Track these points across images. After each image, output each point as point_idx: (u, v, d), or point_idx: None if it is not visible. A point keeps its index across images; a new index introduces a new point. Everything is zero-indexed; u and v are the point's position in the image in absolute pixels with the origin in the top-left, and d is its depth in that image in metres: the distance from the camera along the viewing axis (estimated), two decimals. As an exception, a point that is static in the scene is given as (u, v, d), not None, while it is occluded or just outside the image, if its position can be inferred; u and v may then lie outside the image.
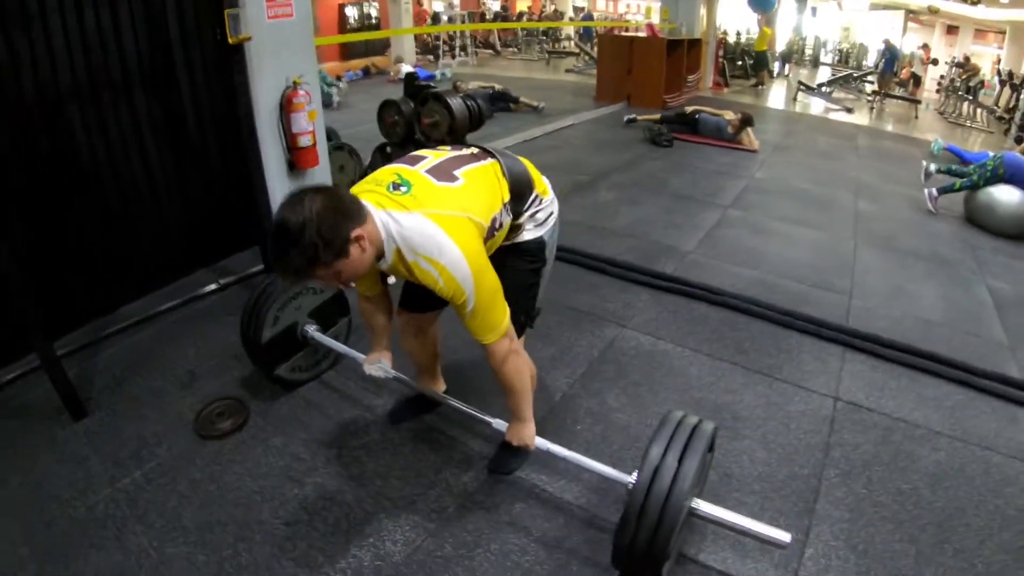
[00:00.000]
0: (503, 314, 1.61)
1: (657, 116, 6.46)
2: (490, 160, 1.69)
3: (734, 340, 2.93)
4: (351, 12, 14.50)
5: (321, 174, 4.07)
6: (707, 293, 3.24)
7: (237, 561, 1.85)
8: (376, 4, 14.85)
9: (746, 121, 6.01)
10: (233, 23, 2.63)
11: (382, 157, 4.38)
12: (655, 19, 10.47)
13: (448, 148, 1.75)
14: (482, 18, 15.25)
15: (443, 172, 1.58)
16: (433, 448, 2.26)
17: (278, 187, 3.79)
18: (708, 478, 1.95)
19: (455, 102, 3.81)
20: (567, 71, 11.80)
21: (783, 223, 4.35)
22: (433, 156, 1.66)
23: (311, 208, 1.34)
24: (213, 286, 3.46)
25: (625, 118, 6.73)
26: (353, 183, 4.66)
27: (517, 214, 1.74)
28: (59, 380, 2.42)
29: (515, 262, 1.80)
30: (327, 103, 9.31)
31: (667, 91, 7.30)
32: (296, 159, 3.84)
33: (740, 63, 12.94)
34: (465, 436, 2.31)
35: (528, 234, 1.79)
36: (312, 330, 2.53)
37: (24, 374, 2.65)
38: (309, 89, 3.67)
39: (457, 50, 13.65)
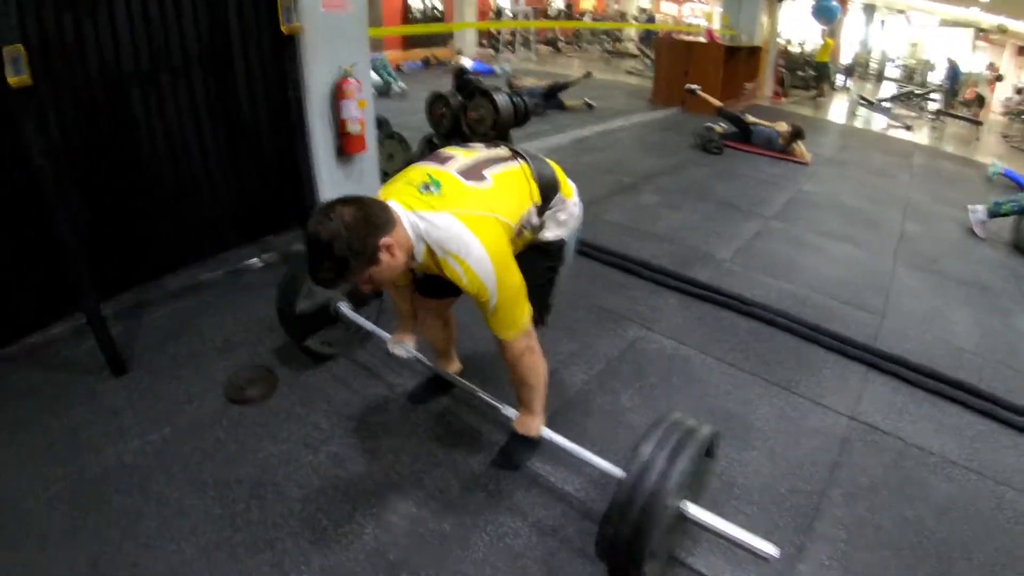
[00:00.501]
0: (524, 312, 1.64)
1: (718, 103, 6.32)
2: (520, 162, 1.73)
3: (758, 351, 2.88)
4: (415, 2, 14.73)
5: (369, 160, 4.20)
6: (736, 302, 3.19)
7: (248, 517, 1.95)
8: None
9: (796, 133, 5.85)
10: (286, 13, 2.75)
11: (428, 148, 4.47)
12: (715, 24, 10.31)
13: (480, 147, 1.78)
14: (545, 15, 15.28)
15: (473, 172, 1.62)
16: (447, 430, 2.32)
17: (326, 170, 3.94)
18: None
19: (501, 98, 3.86)
20: (627, 72, 11.73)
21: (824, 238, 4.24)
22: (464, 155, 1.69)
23: (341, 222, 1.40)
24: (257, 261, 3.61)
25: (705, 126, 6.54)
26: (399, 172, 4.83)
27: (540, 215, 1.78)
28: (103, 338, 2.59)
29: (534, 259, 1.83)
30: (384, 92, 9.51)
31: (723, 97, 7.16)
32: (345, 145, 3.98)
33: (801, 73, 12.57)
34: (479, 421, 2.36)
35: (549, 233, 1.82)
36: (344, 307, 2.62)
37: (73, 330, 2.83)
38: (360, 78, 3.80)
39: (518, 46, 13.72)
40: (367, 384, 2.58)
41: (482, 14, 14.28)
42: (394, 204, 1.53)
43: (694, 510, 1.60)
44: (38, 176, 2.18)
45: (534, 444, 2.16)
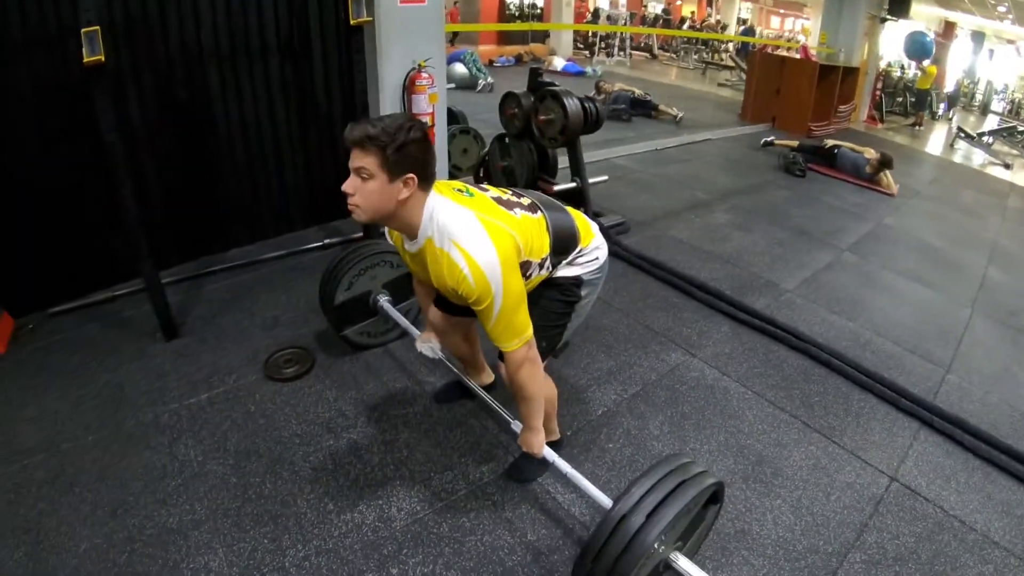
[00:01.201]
0: (526, 323, 1.60)
1: (795, 143, 6.03)
2: (540, 215, 1.71)
3: (804, 392, 2.68)
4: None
5: (439, 155, 4.25)
6: (790, 337, 2.99)
7: (260, 490, 2.01)
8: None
9: (884, 163, 5.44)
10: (356, 6, 2.81)
11: (500, 146, 4.47)
12: (812, 41, 9.72)
13: (509, 191, 1.77)
14: (642, 20, 14.97)
15: (505, 204, 1.64)
16: (464, 433, 2.30)
17: (394, 161, 4.02)
18: (703, 538, 1.77)
19: (571, 102, 3.79)
20: (719, 84, 11.33)
21: (898, 276, 3.91)
22: (498, 192, 1.72)
23: (420, 131, 1.46)
24: (317, 244, 3.72)
25: (763, 140, 6.35)
26: (473, 167, 4.82)
27: (555, 264, 1.76)
28: (158, 303, 2.75)
29: (549, 293, 1.81)
30: (471, 86, 9.61)
31: (815, 118, 6.76)
32: (414, 138, 4.05)
33: (900, 99, 11.68)
34: (497, 429, 2.33)
35: (562, 271, 1.79)
36: (383, 300, 2.66)
37: (135, 293, 3.01)
38: (433, 73, 3.83)
39: (615, 50, 13.55)
40: (397, 378, 2.61)
41: (580, 15, 14.19)
42: (437, 191, 1.55)
43: (684, 563, 1.48)
44: (108, 150, 2.33)
45: (547, 461, 2.11)
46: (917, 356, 3.03)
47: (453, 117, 5.61)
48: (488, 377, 2.49)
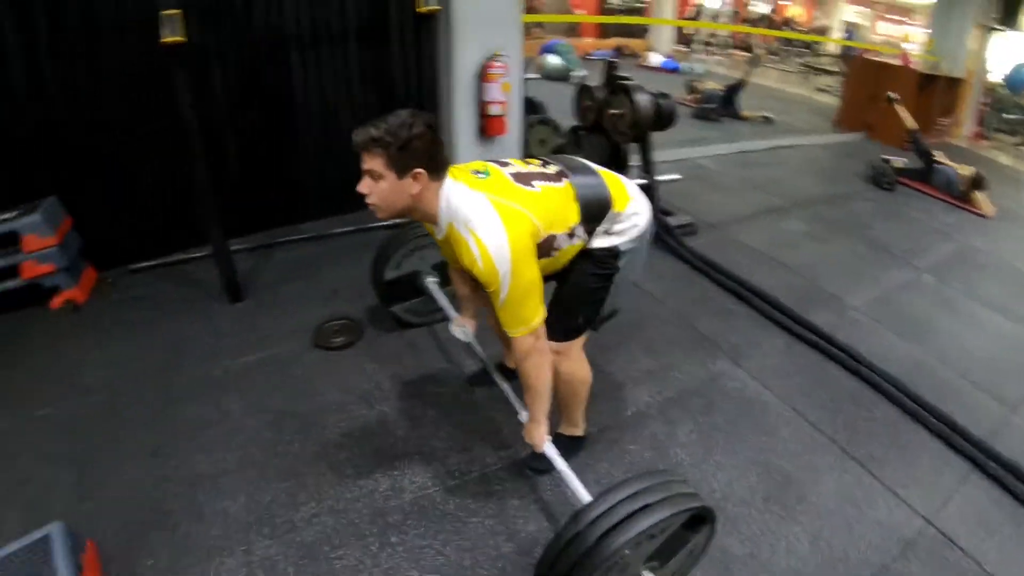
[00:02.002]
0: (535, 312, 1.59)
1: (914, 125, 5.51)
2: (565, 182, 1.68)
3: (849, 416, 2.48)
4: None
5: (509, 143, 4.27)
6: (845, 356, 2.79)
7: (289, 448, 2.14)
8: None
9: (977, 181, 4.91)
10: None
11: (574, 138, 4.44)
12: (915, 48, 8.91)
13: (537, 161, 1.75)
14: (745, 19, 14.33)
15: (523, 179, 1.62)
16: (488, 419, 2.32)
17: (464, 148, 4.08)
18: (683, 563, 1.65)
19: (642, 98, 3.70)
20: (818, 89, 10.67)
21: (978, 304, 3.53)
22: (520, 165, 1.70)
23: (426, 127, 1.47)
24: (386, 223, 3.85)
25: (881, 157, 5.78)
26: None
27: (591, 231, 1.72)
28: (225, 268, 2.95)
29: (582, 265, 1.77)
30: (564, 77, 9.55)
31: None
32: (486, 125, 4.09)
33: (1008, 116, 10.41)
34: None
35: (598, 242, 1.74)
36: (430, 281, 2.72)
37: (207, 257, 3.22)
38: (507, 62, 3.86)
39: (715, 48, 13.09)
40: (436, 358, 2.67)
41: (681, 11, 13.79)
42: (452, 177, 1.57)
43: None
44: (184, 124, 2.52)
45: (569, 448, 2.10)
46: (983, 392, 2.76)
47: (533, 107, 5.63)
48: None
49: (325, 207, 3.92)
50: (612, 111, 3.91)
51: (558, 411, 2.05)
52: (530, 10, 16.22)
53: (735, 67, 12.01)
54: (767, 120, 7.38)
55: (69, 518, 1.64)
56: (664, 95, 3.91)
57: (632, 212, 1.76)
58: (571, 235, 1.67)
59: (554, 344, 1.78)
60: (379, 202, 1.52)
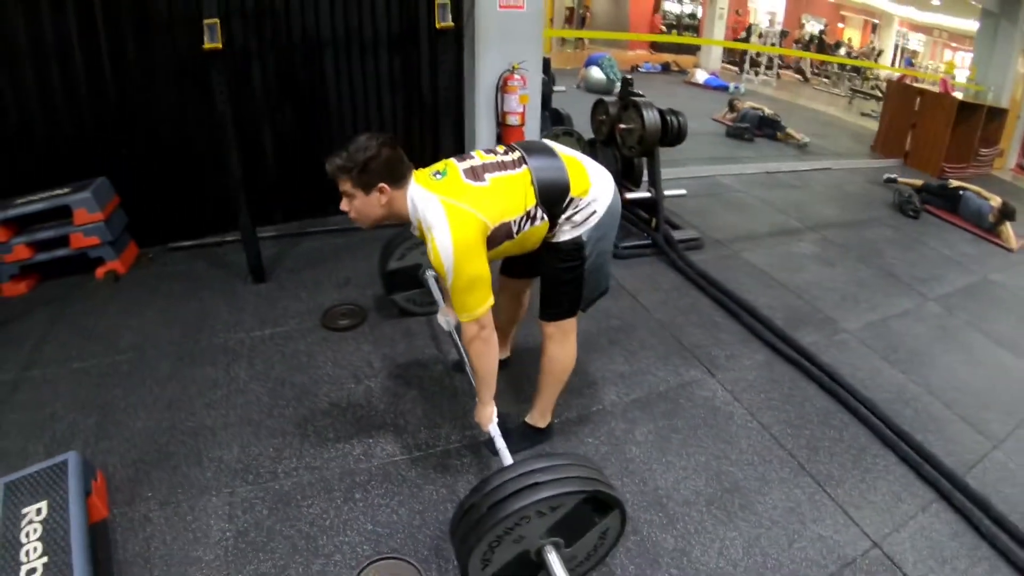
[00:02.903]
0: (479, 303, 1.78)
1: (919, 183, 5.52)
2: (524, 168, 1.85)
3: (815, 435, 2.54)
4: (670, 7, 14.62)
5: (527, 153, 4.50)
6: (823, 375, 2.87)
7: (283, 411, 2.41)
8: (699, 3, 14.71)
9: (1006, 212, 4.80)
10: (441, 11, 3.09)
11: (590, 151, 4.62)
12: (960, 75, 8.58)
13: (498, 152, 1.93)
14: (796, 41, 14.07)
15: (476, 173, 1.81)
16: (462, 403, 2.51)
17: (484, 154, 4.33)
18: (606, 551, 1.79)
19: (650, 114, 3.85)
20: (863, 114, 10.45)
21: (983, 337, 3.48)
22: (479, 157, 1.89)
23: (379, 147, 1.71)
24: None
25: (885, 176, 5.87)
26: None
27: (553, 217, 1.88)
28: (250, 251, 3.27)
29: (550, 259, 1.96)
30: (608, 90, 9.66)
31: (949, 159, 6.05)
32: (504, 135, 4.32)
33: None
34: (504, 405, 2.51)
35: (564, 235, 1.92)
36: (429, 274, 2.96)
37: (239, 241, 3.50)
38: (526, 75, 4.08)
39: (763, 68, 12.97)
40: (427, 344, 2.90)
41: (733, 30, 13.71)
42: (414, 180, 1.79)
43: (552, 559, 1.56)
44: (219, 119, 2.85)
45: (530, 439, 2.30)
46: (966, 424, 2.78)
47: (559, 119, 5.83)
48: (504, 353, 2.68)
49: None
50: (622, 125, 4.08)
51: (531, 397, 2.26)
52: (583, 21, 16.44)
53: (782, 88, 11.91)
54: (802, 144, 7.36)
55: (86, 452, 1.95)
56: (675, 112, 4.05)
57: (591, 199, 1.89)
58: (530, 217, 1.83)
59: (544, 324, 2.06)
60: (357, 216, 1.80)
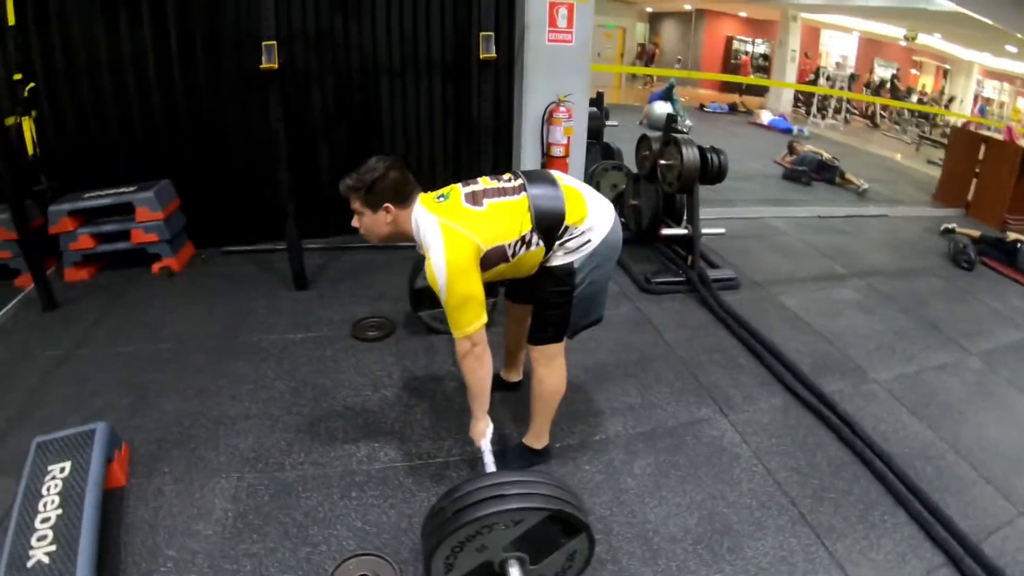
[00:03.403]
0: (471, 320, 1.87)
1: (977, 233, 5.26)
2: (523, 195, 1.95)
3: (823, 485, 2.45)
4: (741, 47, 14.56)
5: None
6: (841, 424, 2.79)
7: (300, 410, 2.57)
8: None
9: None
10: (485, 43, 3.25)
11: (633, 186, 4.68)
12: None
13: (502, 179, 2.03)
14: (866, 85, 13.66)
15: (475, 198, 1.93)
16: (468, 419, 2.58)
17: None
18: (578, 568, 1.78)
19: (689, 151, 3.88)
20: (929, 161, 10.00)
21: None
22: (483, 183, 2.01)
23: (386, 170, 1.86)
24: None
25: (943, 227, 5.63)
26: (611, 202, 5.04)
27: (548, 242, 1.97)
28: (294, 260, 3.50)
29: (543, 282, 2.04)
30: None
31: (1013, 210, 5.71)
32: (548, 165, 4.44)
33: None
34: (506, 424, 2.59)
35: (557, 260, 2.00)
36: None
37: (286, 250, 3.74)
38: (572, 108, 4.21)
39: (831, 111, 12.68)
40: (446, 361, 2.99)
41: (803, 72, 13.49)
42: (419, 201, 1.93)
43: (514, 573, 1.59)
44: (273, 135, 3.10)
45: (528, 457, 2.36)
46: (992, 487, 2.63)
47: (609, 153, 5.92)
48: (515, 376, 2.77)
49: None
50: (662, 161, 4.13)
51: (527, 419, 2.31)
52: (651, 58, 16.57)
53: (849, 133, 11.60)
54: (861, 190, 7.16)
55: (116, 425, 2.15)
56: (716, 150, 4.07)
57: (586, 228, 1.97)
58: (525, 242, 1.92)
59: (530, 348, 2.13)
60: (365, 232, 1.95)
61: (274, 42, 2.78)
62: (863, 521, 2.33)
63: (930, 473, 2.63)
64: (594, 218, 1.99)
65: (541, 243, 1.95)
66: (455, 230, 1.82)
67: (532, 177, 2.02)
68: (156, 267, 3.51)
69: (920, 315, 4.04)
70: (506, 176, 2.04)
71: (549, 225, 1.93)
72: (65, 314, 3.15)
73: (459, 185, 2.00)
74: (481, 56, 3.25)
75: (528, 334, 2.14)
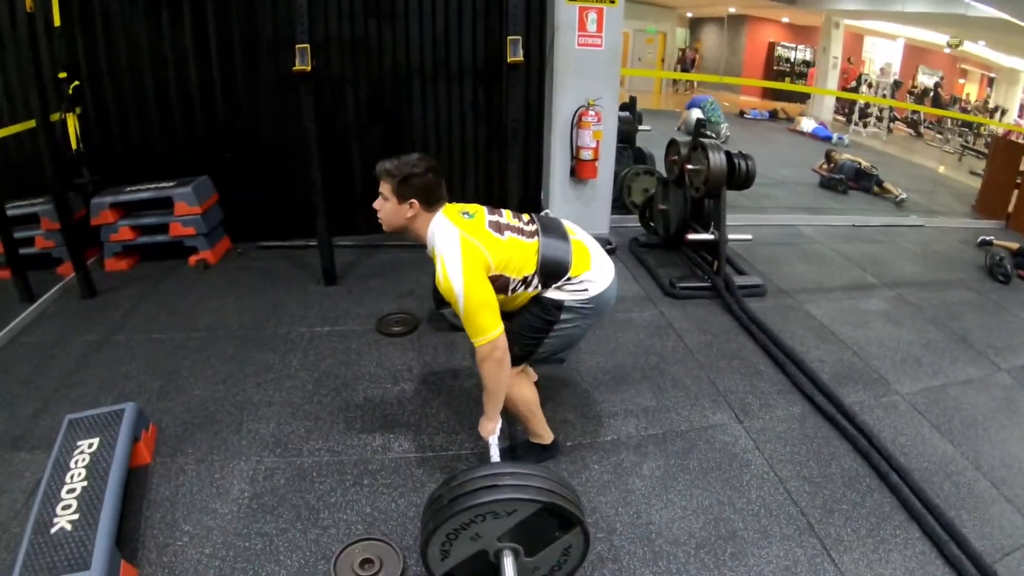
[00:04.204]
0: (490, 325, 1.90)
1: (1015, 246, 5.08)
2: (535, 240, 2.03)
3: (834, 496, 2.41)
4: (784, 53, 14.31)
5: (601, 189, 4.62)
6: (858, 435, 2.74)
7: (321, 399, 2.67)
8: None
9: None
10: (512, 47, 3.30)
11: (662, 190, 4.67)
12: None
13: (522, 218, 2.12)
14: (909, 93, 13.21)
15: (499, 227, 2.01)
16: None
17: (559, 186, 4.49)
18: (569, 570, 1.80)
19: (715, 156, 3.86)
20: (971, 172, 9.64)
21: None
22: (506, 217, 2.09)
23: (426, 170, 1.94)
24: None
25: (980, 239, 5.45)
26: (641, 205, 5.04)
27: (546, 286, 2.04)
28: (325, 256, 3.62)
29: (530, 306, 2.10)
30: (712, 134, 9.58)
31: None
32: (577, 169, 4.48)
33: None
34: (516, 420, 2.61)
35: (550, 293, 2.06)
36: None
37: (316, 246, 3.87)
38: (600, 111, 4.23)
39: (873, 119, 12.34)
40: (466, 358, 3.06)
41: (846, 79, 13.16)
42: (443, 212, 2.00)
43: (507, 563, 1.62)
44: (304, 135, 3.22)
45: (539, 452, 2.40)
46: (1012, 506, 2.55)
47: (641, 157, 5.92)
48: (531, 376, 2.81)
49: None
50: (689, 166, 4.12)
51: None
52: (692, 64, 16.39)
53: (891, 142, 11.29)
54: (898, 200, 6.99)
55: (145, 407, 2.28)
56: (744, 155, 4.04)
57: (586, 279, 2.06)
58: (526, 283, 2.01)
59: None
60: (383, 217, 2.01)
61: (307, 45, 2.90)
62: (873, 535, 2.28)
63: (948, 489, 2.57)
64: (595, 273, 2.08)
65: (539, 286, 2.04)
66: (473, 243, 1.90)
67: (546, 226, 2.10)
68: (193, 259, 3.68)
69: (950, 328, 3.94)
70: (525, 218, 2.12)
71: (552, 273, 2.02)
72: (103, 302, 3.34)
73: (485, 210, 2.07)
74: (508, 60, 3.31)
75: None
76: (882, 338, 3.76)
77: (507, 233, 2.00)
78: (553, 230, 2.10)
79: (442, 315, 3.27)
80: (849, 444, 2.76)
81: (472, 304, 1.87)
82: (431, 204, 1.97)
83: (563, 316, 2.07)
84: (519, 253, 1.98)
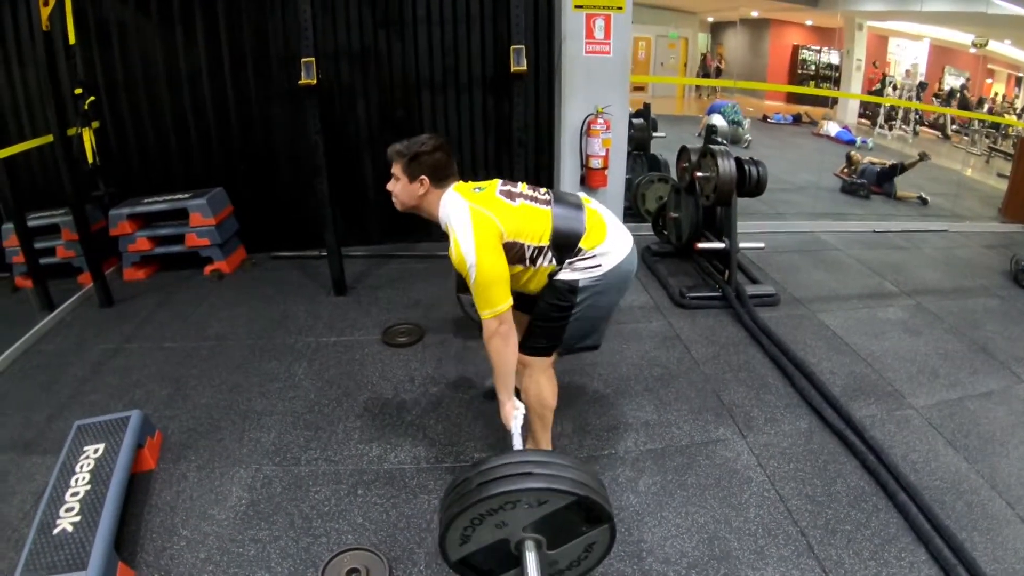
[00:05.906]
0: (500, 299, 1.92)
1: None
2: (548, 208, 2.02)
3: (837, 515, 2.34)
4: (809, 56, 14.03)
5: (612, 197, 4.60)
6: (867, 451, 2.67)
7: (323, 409, 2.71)
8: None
9: None
10: (516, 56, 3.31)
11: (675, 197, 4.64)
12: None
13: (538, 190, 2.11)
14: (935, 94, 12.83)
15: (511, 195, 2.02)
16: (485, 427, 2.65)
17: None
18: (590, 565, 1.76)
19: (725, 162, 3.82)
20: (999, 175, 9.33)
21: None
22: (521, 187, 2.10)
23: (434, 148, 1.98)
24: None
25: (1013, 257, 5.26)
26: (654, 214, 5.02)
27: (560, 261, 2.03)
28: (334, 267, 3.68)
29: (546, 294, 2.09)
30: (735, 139, 9.48)
31: None
32: (587, 177, 4.48)
33: None
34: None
35: (563, 275, 2.04)
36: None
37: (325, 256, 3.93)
38: (610, 119, 4.23)
39: (898, 122, 12.03)
40: (468, 370, 3.07)
41: (870, 81, 12.84)
42: (454, 188, 2.02)
43: (529, 555, 1.58)
44: (313, 147, 3.29)
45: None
46: None
47: (656, 164, 5.88)
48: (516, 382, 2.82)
49: (438, 231, 4.56)
50: (699, 173, 4.08)
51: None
52: (718, 71, 16.20)
53: (917, 145, 10.99)
54: (922, 201, 6.83)
55: (153, 414, 2.35)
56: (756, 162, 3.99)
57: (598, 252, 2.03)
58: (541, 252, 1.99)
59: (521, 356, 2.12)
60: (396, 196, 2.06)
61: (312, 59, 2.97)
62: (876, 557, 2.20)
63: (960, 509, 2.48)
64: (610, 244, 2.05)
65: (554, 261, 2.01)
66: (483, 213, 1.91)
67: (560, 197, 2.10)
68: (208, 269, 3.78)
69: (971, 337, 3.82)
70: (542, 189, 2.13)
71: (564, 244, 2.00)
72: (120, 310, 3.46)
73: (498, 181, 2.10)
74: (512, 69, 3.33)
75: (522, 343, 2.15)
76: (898, 349, 3.66)
77: (519, 200, 2.00)
78: (566, 200, 2.10)
79: (458, 299, 3.26)
80: (857, 461, 2.68)
81: (484, 276, 1.88)
82: (441, 181, 2.01)
83: (579, 298, 2.05)
84: (532, 219, 1.98)
